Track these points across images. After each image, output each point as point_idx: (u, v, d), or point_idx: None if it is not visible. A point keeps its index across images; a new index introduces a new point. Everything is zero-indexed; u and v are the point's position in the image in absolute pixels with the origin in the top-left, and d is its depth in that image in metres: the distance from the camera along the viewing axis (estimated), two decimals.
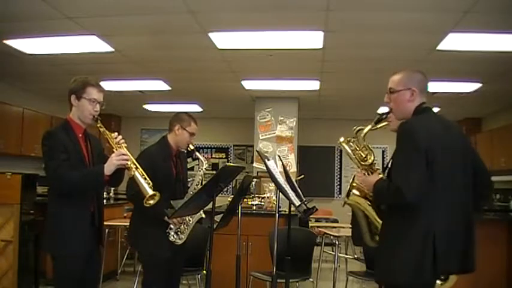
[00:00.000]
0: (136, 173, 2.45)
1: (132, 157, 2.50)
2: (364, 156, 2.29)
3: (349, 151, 2.35)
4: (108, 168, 2.43)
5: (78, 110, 2.55)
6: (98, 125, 2.53)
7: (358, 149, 2.33)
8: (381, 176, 2.18)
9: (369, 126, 2.30)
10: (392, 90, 2.20)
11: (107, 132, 2.50)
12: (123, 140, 2.53)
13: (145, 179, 2.46)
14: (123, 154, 2.46)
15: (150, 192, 2.43)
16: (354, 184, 2.32)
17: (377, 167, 2.27)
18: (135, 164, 2.48)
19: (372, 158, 2.28)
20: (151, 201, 2.44)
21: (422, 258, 1.91)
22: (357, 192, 2.31)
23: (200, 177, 3.15)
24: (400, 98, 2.18)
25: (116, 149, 2.48)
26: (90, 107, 2.53)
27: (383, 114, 2.29)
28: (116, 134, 2.55)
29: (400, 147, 2.02)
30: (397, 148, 2.04)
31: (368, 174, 2.24)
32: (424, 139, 1.96)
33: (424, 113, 2.14)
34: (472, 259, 2.06)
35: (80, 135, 2.57)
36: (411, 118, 2.13)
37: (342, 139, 2.38)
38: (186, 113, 3.21)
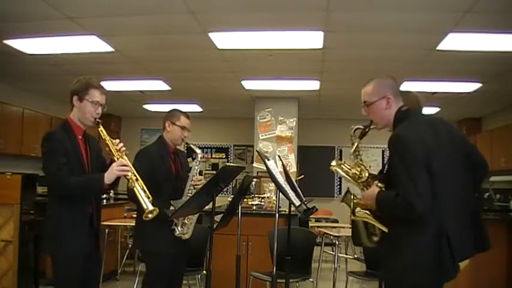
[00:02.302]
0: (137, 185, 2.42)
1: (132, 168, 2.47)
2: (358, 173, 2.30)
3: (343, 174, 2.35)
4: (109, 177, 2.42)
5: (79, 111, 2.53)
6: (100, 129, 2.50)
7: (350, 168, 2.34)
8: (379, 185, 2.18)
9: (356, 143, 2.33)
10: (368, 103, 2.22)
11: (108, 138, 2.48)
12: (124, 148, 2.50)
13: (145, 192, 2.43)
14: (125, 165, 2.43)
15: (150, 207, 2.39)
16: (355, 201, 2.32)
17: (373, 181, 2.27)
18: (136, 176, 2.45)
19: (367, 174, 2.28)
20: (150, 215, 2.40)
21: (441, 258, 1.93)
22: (360, 209, 2.31)
23: (197, 167, 3.12)
24: (376, 108, 2.20)
25: (117, 157, 2.45)
26: (92, 109, 2.51)
27: (366, 127, 2.31)
28: (118, 140, 2.51)
29: (397, 160, 2.01)
30: (393, 160, 2.04)
31: (366, 189, 2.25)
32: (418, 147, 1.97)
33: (407, 117, 2.14)
34: (486, 239, 2.10)
35: (80, 136, 2.55)
36: (400, 127, 2.12)
37: (333, 163, 2.39)
38: (176, 109, 3.20)
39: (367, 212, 2.27)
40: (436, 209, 1.94)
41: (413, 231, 1.97)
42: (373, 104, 2.20)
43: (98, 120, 2.52)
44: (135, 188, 2.41)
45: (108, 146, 2.48)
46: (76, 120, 2.54)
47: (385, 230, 2.21)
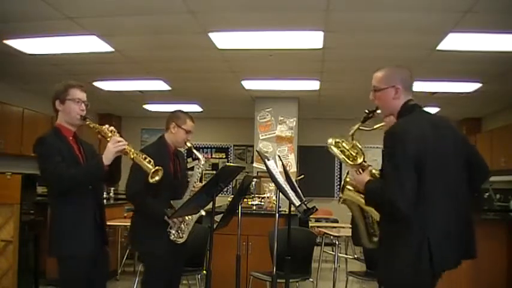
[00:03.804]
0: (136, 155, 2.49)
1: (126, 142, 2.51)
2: (354, 155, 2.25)
3: (338, 153, 2.28)
4: (107, 156, 2.43)
5: (64, 113, 2.54)
6: (87, 123, 2.52)
7: (347, 149, 2.28)
8: (372, 171, 2.16)
9: (357, 125, 2.26)
10: (376, 88, 2.17)
11: (97, 125, 2.51)
12: (115, 130, 2.54)
13: (145, 158, 2.49)
14: (119, 141, 2.46)
15: (152, 168, 2.45)
16: (348, 180, 2.30)
17: (369, 164, 2.23)
18: (132, 149, 2.51)
19: (362, 158, 2.22)
20: (157, 178, 2.47)
21: (419, 262, 1.90)
22: (351, 188, 2.29)
23: (199, 174, 3.12)
24: (384, 96, 2.15)
25: (110, 138, 2.49)
26: (76, 107, 2.52)
27: (370, 112, 2.25)
28: (107, 125, 2.54)
29: (388, 153, 1.97)
30: (385, 154, 1.99)
31: (359, 172, 2.20)
32: (413, 143, 1.92)
33: (411, 111, 2.09)
34: (473, 247, 2.06)
35: (71, 138, 2.57)
36: (399, 121, 2.09)
37: (330, 140, 2.31)
38: (181, 111, 3.19)
39: (361, 195, 2.24)
40: (421, 212, 1.90)
41: (398, 230, 1.95)
42: (381, 91, 2.15)
43: (84, 115, 2.54)
44: (135, 158, 2.47)
45: (99, 133, 2.51)
46: (64, 123, 2.56)
47: (375, 216, 2.18)
